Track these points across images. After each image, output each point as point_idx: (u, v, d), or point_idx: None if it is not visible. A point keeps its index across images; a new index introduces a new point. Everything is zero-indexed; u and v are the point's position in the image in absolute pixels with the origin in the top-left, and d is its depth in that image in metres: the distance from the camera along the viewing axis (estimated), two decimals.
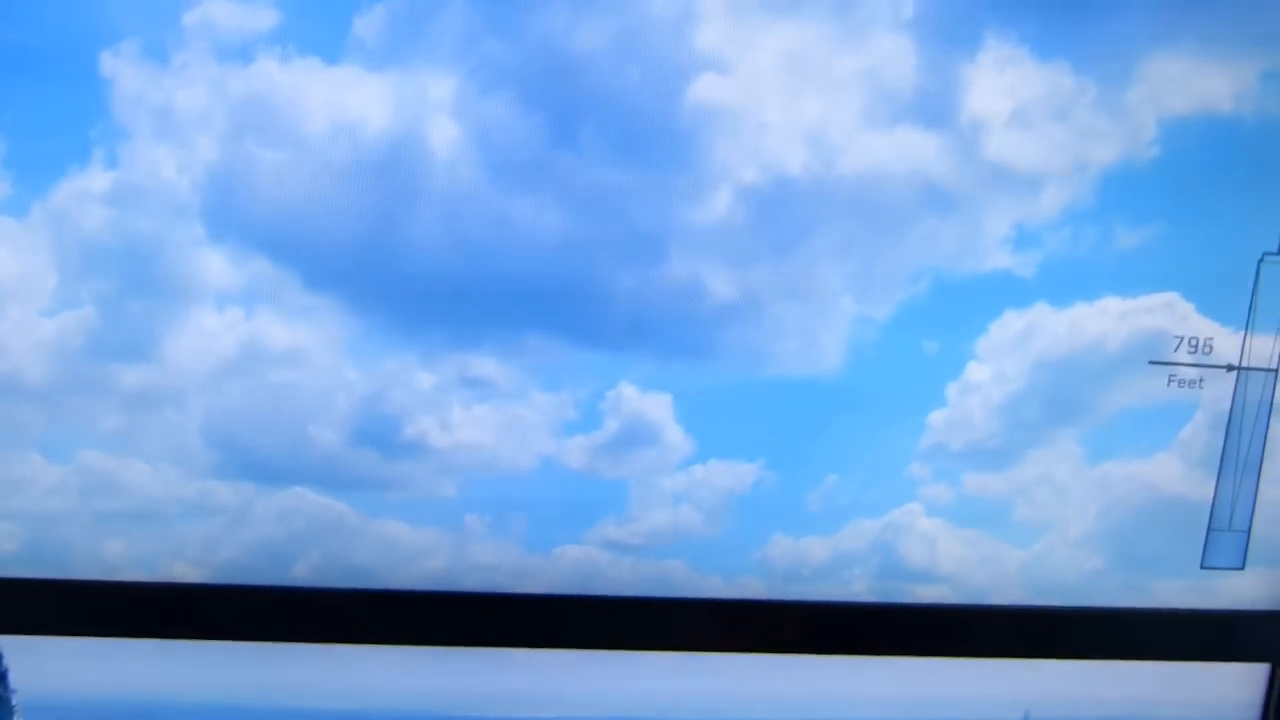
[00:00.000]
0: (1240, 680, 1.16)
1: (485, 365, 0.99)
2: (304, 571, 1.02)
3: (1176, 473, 1.11)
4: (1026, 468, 1.08)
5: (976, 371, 1.05)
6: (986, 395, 1.06)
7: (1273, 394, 1.10)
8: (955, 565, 1.09)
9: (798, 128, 0.98)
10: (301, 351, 0.98)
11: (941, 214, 1.02)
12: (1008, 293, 1.04)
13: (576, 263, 0.99)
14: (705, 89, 0.96)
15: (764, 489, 1.04)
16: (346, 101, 0.92)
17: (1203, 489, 1.12)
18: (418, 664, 1.03)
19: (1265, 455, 1.11)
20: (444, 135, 0.94)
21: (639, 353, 1.01)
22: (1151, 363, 1.06)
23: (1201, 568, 1.13)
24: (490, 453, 1.01)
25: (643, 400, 1.01)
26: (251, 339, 0.98)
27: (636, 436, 1.02)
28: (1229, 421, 1.10)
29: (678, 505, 1.03)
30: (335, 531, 1.01)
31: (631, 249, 0.99)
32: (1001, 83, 0.99)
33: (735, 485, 1.04)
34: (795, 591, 1.06)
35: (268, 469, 1.01)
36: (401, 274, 0.97)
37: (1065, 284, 1.05)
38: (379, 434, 1.00)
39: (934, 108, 0.99)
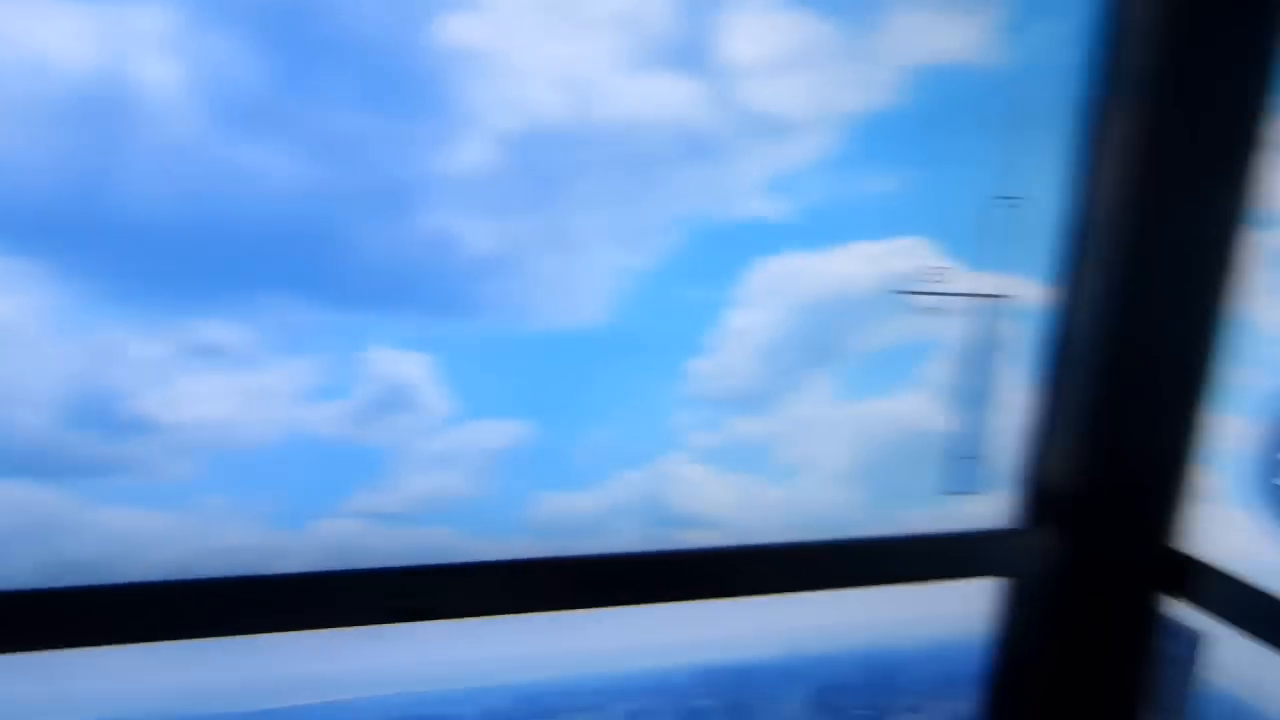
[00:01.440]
0: (979, 591, 1.30)
1: (216, 330, 0.93)
2: (15, 572, 0.93)
3: (919, 407, 1.21)
4: (785, 410, 1.14)
5: (737, 317, 1.09)
6: (745, 341, 1.10)
7: (1001, 329, 1.21)
8: (721, 508, 1.14)
9: (553, 71, 0.96)
10: None
11: (699, 161, 1.04)
12: (764, 238, 1.08)
13: (316, 215, 0.94)
14: (454, 28, 0.93)
15: (528, 446, 1.04)
16: (41, 33, 0.82)
17: (943, 421, 1.22)
18: (161, 662, 0.97)
19: (995, 387, 1.23)
20: (159, 74, 0.86)
21: (391, 311, 0.98)
22: (896, 293, 1.14)
23: (944, 493, 1.25)
24: (227, 426, 0.96)
25: (397, 361, 0.98)
26: None
27: (392, 400, 0.99)
28: (963, 358, 1.21)
29: (440, 469, 1.02)
30: (49, 525, 0.93)
31: (377, 200, 0.95)
32: (755, 29, 1.01)
33: (499, 444, 1.03)
34: (565, 547, 1.07)
35: None
36: (114, 231, 0.89)
37: (819, 228, 1.10)
38: (96, 413, 0.92)
39: (689, 53, 1.01)
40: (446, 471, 1.01)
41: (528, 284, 1.00)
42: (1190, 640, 1.23)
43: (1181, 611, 1.24)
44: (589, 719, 1.15)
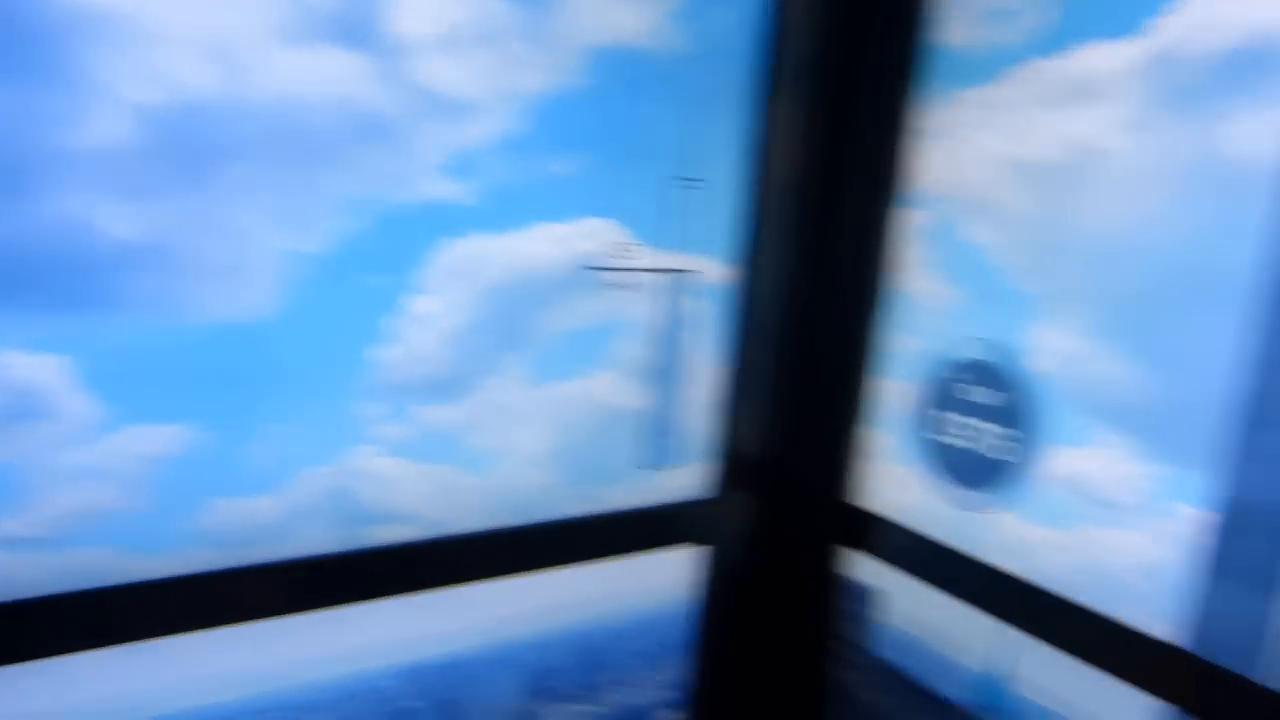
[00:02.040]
0: (680, 560, 1.36)
1: None
2: None
3: (614, 385, 1.23)
4: (479, 395, 1.13)
5: (422, 303, 1.07)
6: (433, 326, 1.08)
7: (687, 307, 1.26)
8: (417, 501, 1.11)
9: (199, 40, 0.89)
10: None
11: (372, 141, 1.00)
12: (448, 221, 1.06)
13: None
14: None
15: (196, 452, 0.96)
16: None
17: (637, 398, 1.26)
18: None
19: (684, 363, 1.28)
20: None
21: (19, 309, 0.87)
22: (584, 272, 1.15)
23: (641, 468, 1.28)
24: None
25: (28, 365, 0.87)
26: None
27: (23, 410, 0.88)
28: (652, 335, 1.25)
29: (89, 483, 0.92)
30: None
31: None
32: (426, 3, 0.98)
33: (161, 451, 0.95)
34: (246, 556, 1.00)
35: None
36: None
37: (504, 211, 1.09)
38: None
39: (355, 26, 0.96)
40: (97, 485, 0.91)
41: (182, 273, 0.92)
42: (865, 596, 1.34)
43: (858, 568, 1.35)
44: None
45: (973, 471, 1.20)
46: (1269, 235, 0.91)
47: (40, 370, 0.87)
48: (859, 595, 1.36)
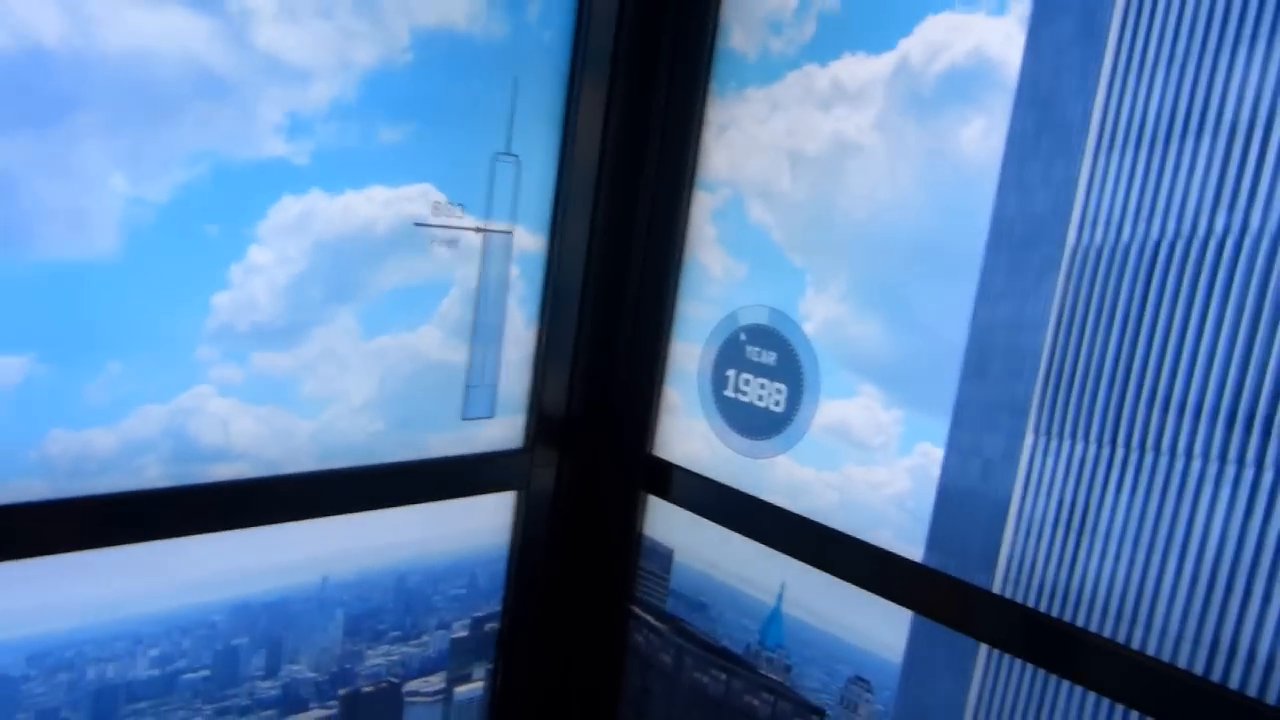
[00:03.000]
0: (497, 507, 1.49)
1: None
2: None
3: (438, 341, 1.36)
4: (311, 344, 1.23)
5: (258, 254, 1.16)
6: (269, 276, 1.17)
7: (506, 271, 1.41)
8: (250, 441, 1.20)
9: None
10: None
11: (215, 99, 1.09)
12: (285, 179, 1.16)
13: None
14: None
15: (36, 383, 1.02)
16: None
17: (459, 354, 1.39)
18: None
19: (502, 323, 1.42)
20: None
21: None
22: (414, 225, 1.28)
23: (462, 419, 1.42)
24: None
25: None
26: None
27: None
28: (476, 297, 1.39)
29: None
30: None
31: None
32: None
33: (1, 382, 1.00)
34: (83, 487, 1.07)
35: None
36: None
37: (336, 172, 1.20)
38: None
39: None
40: None
41: (26, 211, 0.98)
42: (664, 556, 1.53)
43: (658, 513, 1.53)
44: (115, 669, 1.14)
45: (755, 423, 1.40)
46: (984, 218, 1.15)
47: None
48: (655, 562, 1.53)
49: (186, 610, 1.17)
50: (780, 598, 1.36)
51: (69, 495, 1.04)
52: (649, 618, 1.54)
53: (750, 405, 1.40)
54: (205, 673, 1.20)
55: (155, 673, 1.16)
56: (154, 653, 1.16)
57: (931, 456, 1.18)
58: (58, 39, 0.95)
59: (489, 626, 1.51)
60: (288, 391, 1.19)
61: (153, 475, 1.10)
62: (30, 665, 1.06)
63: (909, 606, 1.20)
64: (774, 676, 1.37)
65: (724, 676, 1.43)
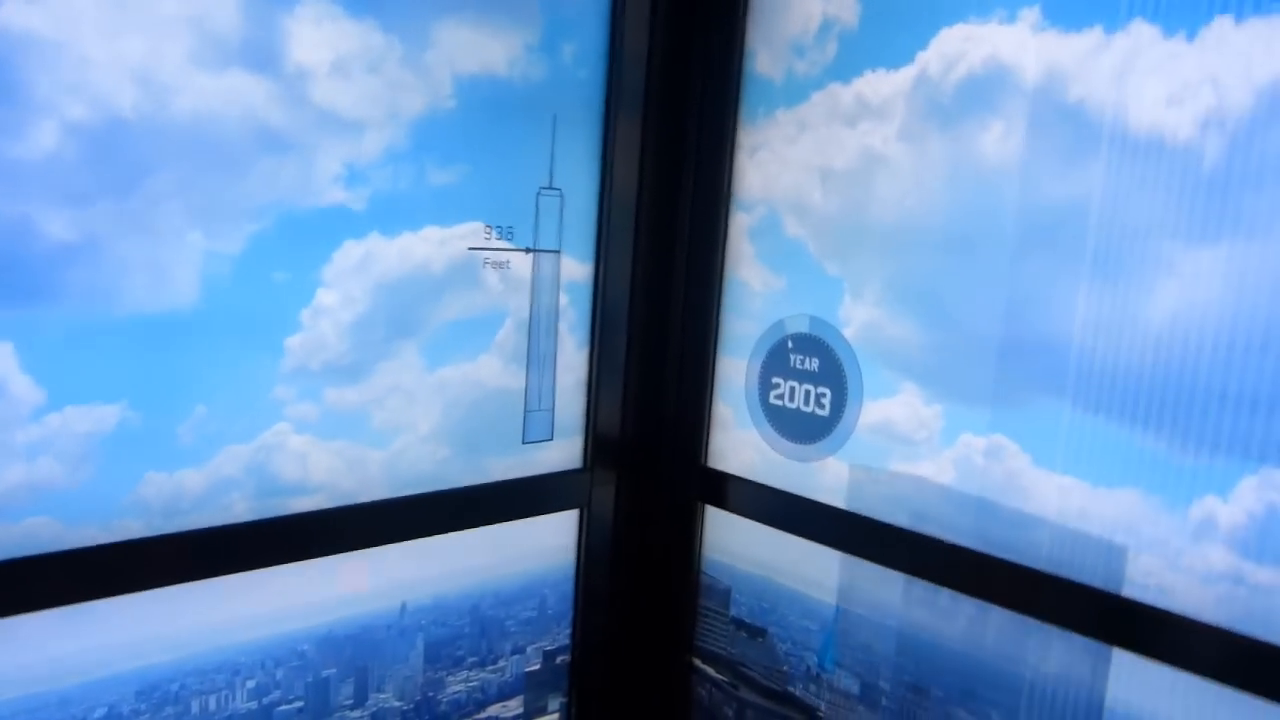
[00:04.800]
0: (561, 528, 1.54)
1: None
2: None
3: (496, 369, 1.42)
4: (378, 379, 1.29)
5: (325, 296, 1.22)
6: (336, 317, 1.24)
7: (557, 299, 1.46)
8: (326, 474, 1.26)
9: (125, 65, 1.03)
10: None
11: (278, 154, 1.16)
12: (345, 225, 1.22)
13: None
14: (12, 15, 0.97)
15: (129, 429, 1.08)
16: None
17: (517, 380, 1.44)
18: None
19: (556, 350, 1.48)
20: None
21: None
22: (470, 251, 1.33)
23: (523, 443, 1.47)
24: None
25: None
26: None
27: None
28: (529, 325, 1.44)
29: (32, 459, 1.03)
30: None
31: None
32: (320, 35, 1.16)
33: (97, 429, 1.06)
34: (176, 524, 1.13)
35: None
36: None
37: (393, 215, 1.27)
38: None
39: (260, 55, 1.13)
40: (40, 461, 1.03)
41: (113, 270, 1.05)
42: (723, 589, 1.56)
43: (716, 522, 1.56)
44: (217, 701, 1.19)
45: (803, 428, 1.44)
46: (1011, 215, 1.19)
47: None
48: (714, 564, 1.57)
49: (278, 640, 1.22)
50: (833, 592, 1.38)
51: (164, 533, 1.09)
52: (710, 669, 1.57)
53: (797, 411, 1.43)
54: (299, 704, 1.24)
55: (253, 705, 1.20)
56: (251, 684, 1.20)
57: (974, 446, 1.21)
58: (132, 109, 1.02)
59: (560, 659, 1.54)
60: (359, 425, 1.25)
61: (239, 511, 1.16)
62: (139, 700, 1.11)
63: (961, 590, 1.22)
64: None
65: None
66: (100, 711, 1.08)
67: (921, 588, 1.28)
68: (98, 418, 1.05)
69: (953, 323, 1.22)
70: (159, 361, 1.08)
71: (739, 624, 1.54)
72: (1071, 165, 1.10)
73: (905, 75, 1.26)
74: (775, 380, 1.46)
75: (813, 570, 1.43)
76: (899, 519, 1.29)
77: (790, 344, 1.43)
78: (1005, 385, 1.18)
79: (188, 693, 1.15)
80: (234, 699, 1.19)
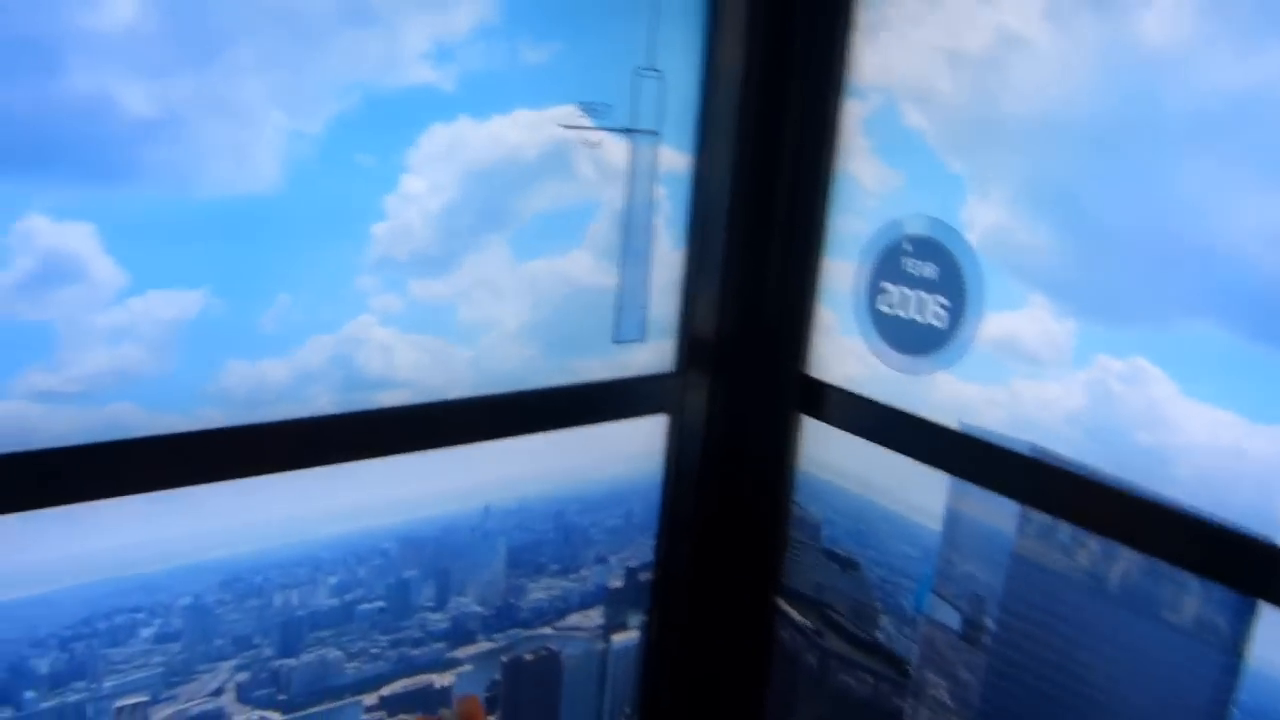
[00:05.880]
0: (649, 433, 1.51)
1: None
2: None
3: (587, 264, 1.37)
4: (465, 272, 1.26)
5: (411, 183, 1.19)
6: (423, 205, 1.20)
7: (653, 191, 1.40)
8: (411, 369, 1.24)
9: None
10: None
11: (362, 26, 1.11)
12: (433, 106, 1.18)
13: None
14: None
15: (212, 316, 1.07)
16: None
17: (609, 277, 1.40)
18: None
19: (650, 245, 1.42)
20: None
21: (47, 178, 0.96)
22: (562, 126, 1.27)
23: (613, 343, 1.43)
24: None
25: (59, 231, 0.97)
26: None
27: (57, 272, 0.98)
28: (623, 218, 1.39)
29: (116, 343, 1.03)
30: None
31: (18, 58, 0.93)
32: None
33: (180, 315, 1.06)
34: (260, 414, 1.12)
35: None
36: None
37: (483, 97, 1.21)
38: None
39: None
40: (124, 345, 1.02)
41: (194, 149, 1.02)
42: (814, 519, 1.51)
43: (814, 434, 1.51)
44: (300, 595, 1.21)
45: (914, 339, 1.37)
46: (1174, 106, 1.07)
47: (69, 236, 0.97)
48: (810, 475, 1.52)
49: (360, 536, 1.22)
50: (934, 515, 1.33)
51: (246, 423, 1.08)
52: (795, 613, 1.54)
53: (909, 321, 1.36)
54: (380, 604, 1.25)
55: (334, 602, 1.22)
56: (333, 580, 1.22)
57: (1110, 369, 1.12)
58: None
59: (643, 577, 1.53)
60: (445, 319, 1.22)
61: (323, 403, 1.15)
62: (223, 590, 1.13)
63: (1085, 525, 1.15)
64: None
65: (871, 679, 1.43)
66: (186, 599, 1.10)
67: (1039, 520, 1.21)
68: (181, 303, 1.04)
69: (1094, 228, 1.13)
70: (241, 247, 1.06)
71: (830, 555, 1.49)
72: (1255, 47, 0.98)
73: None
74: (885, 285, 1.39)
75: (917, 493, 1.38)
76: (1018, 445, 1.22)
77: (905, 246, 1.35)
78: (1152, 302, 1.09)
79: (271, 585, 1.16)
80: (316, 594, 1.20)
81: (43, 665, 1.02)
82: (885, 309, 1.39)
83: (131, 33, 0.95)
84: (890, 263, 1.38)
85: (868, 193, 1.41)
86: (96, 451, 1.00)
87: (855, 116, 1.41)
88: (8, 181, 0.93)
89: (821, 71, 1.40)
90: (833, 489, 1.50)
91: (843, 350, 1.47)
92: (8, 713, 1.01)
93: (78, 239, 0.97)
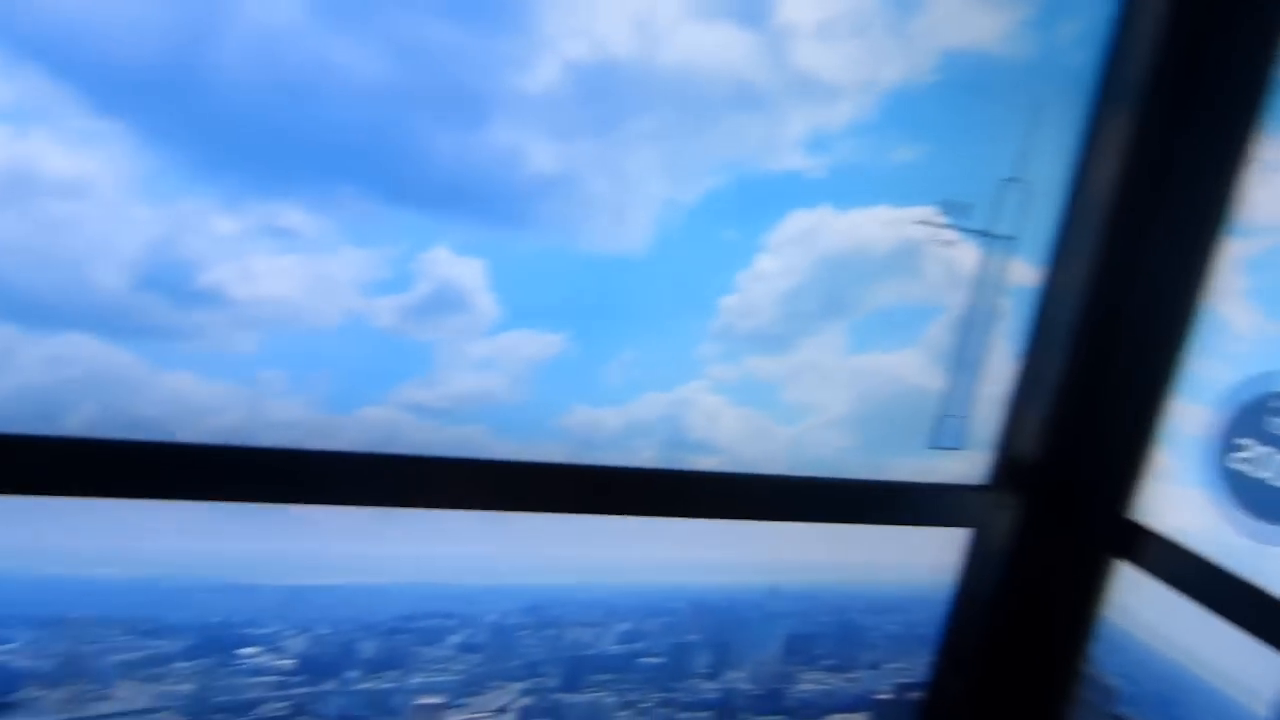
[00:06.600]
0: (947, 544, 1.47)
1: (294, 215, 1.03)
2: (78, 423, 1.02)
3: (917, 365, 1.37)
4: (798, 354, 1.29)
5: (765, 262, 1.24)
6: (772, 285, 1.24)
7: (996, 302, 1.38)
8: (731, 438, 1.28)
9: (625, 9, 1.09)
10: (84, 182, 0.97)
11: (748, 111, 1.18)
12: (799, 192, 1.22)
13: (396, 117, 1.04)
14: None
15: (568, 359, 1.16)
16: None
17: (936, 381, 1.39)
18: (204, 523, 1.07)
19: (984, 355, 1.40)
20: None
21: (455, 216, 1.09)
22: (918, 223, 1.29)
23: (928, 447, 1.41)
24: (293, 307, 1.06)
25: (456, 264, 1.09)
26: (22, 162, 0.95)
27: (447, 300, 1.10)
28: (962, 325, 1.37)
29: (483, 371, 1.14)
30: (115, 382, 1.02)
31: (454, 109, 1.06)
32: None
33: (540, 354, 1.15)
34: (589, 457, 1.20)
35: (36, 311, 0.99)
36: (205, 107, 0.98)
37: (847, 189, 1.25)
38: (170, 280, 1.01)
39: (751, 7, 1.14)
40: (488, 374, 1.13)
41: (582, 206, 1.12)
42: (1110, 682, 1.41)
43: (1127, 583, 1.42)
44: (591, 635, 1.27)
45: (1270, 503, 1.26)
46: None
47: (465, 270, 1.08)
48: (1116, 626, 1.43)
49: (654, 590, 1.27)
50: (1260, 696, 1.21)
51: (579, 463, 1.16)
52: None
53: (1267, 484, 1.25)
54: (660, 659, 1.29)
55: (620, 649, 1.27)
56: (623, 627, 1.27)
57: None
58: (626, 52, 1.07)
59: (912, 695, 1.49)
60: (772, 396, 1.26)
61: (646, 457, 1.21)
62: (525, 615, 1.21)
63: None
64: None
65: None
66: (493, 616, 1.18)
67: None
68: (543, 344, 1.13)
69: None
70: (603, 300, 1.14)
71: None
72: None
73: None
74: (1243, 440, 1.29)
75: (1242, 669, 1.26)
76: None
77: (1275, 404, 1.25)
78: None
79: (567, 620, 1.23)
80: (604, 638, 1.26)
81: (368, 649, 1.13)
82: (1239, 466, 1.29)
83: (551, 96, 1.06)
84: (1253, 417, 1.28)
85: (1237, 338, 1.32)
86: (442, 466, 1.09)
87: (1235, 256, 1.33)
88: (425, 215, 1.05)
89: (1202, 202, 1.33)
90: (1140, 646, 1.40)
91: (1178, 499, 1.37)
92: (331, 685, 1.12)
93: (470, 274, 1.08)
